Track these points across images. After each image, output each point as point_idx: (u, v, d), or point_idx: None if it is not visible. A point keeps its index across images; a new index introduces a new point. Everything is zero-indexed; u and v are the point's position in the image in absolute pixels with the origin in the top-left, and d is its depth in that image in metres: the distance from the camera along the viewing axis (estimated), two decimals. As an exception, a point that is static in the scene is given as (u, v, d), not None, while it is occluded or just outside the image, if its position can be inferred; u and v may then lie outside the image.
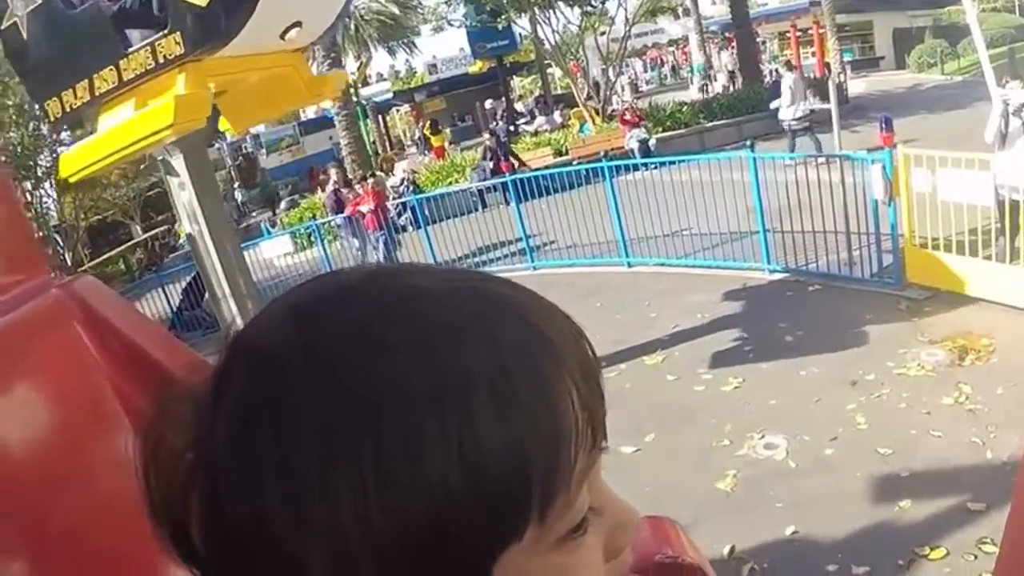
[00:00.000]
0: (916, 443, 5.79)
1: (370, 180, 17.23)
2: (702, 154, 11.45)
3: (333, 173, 20.42)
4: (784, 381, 7.14)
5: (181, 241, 33.33)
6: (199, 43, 7.13)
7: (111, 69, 7.11)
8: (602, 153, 18.66)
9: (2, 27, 7.15)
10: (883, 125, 8.48)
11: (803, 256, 10.07)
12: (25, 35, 7.10)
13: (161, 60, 6.96)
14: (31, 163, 31.36)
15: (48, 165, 32.81)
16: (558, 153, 22.10)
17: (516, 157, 20.18)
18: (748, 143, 10.05)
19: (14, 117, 29.83)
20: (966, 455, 5.50)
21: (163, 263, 35.50)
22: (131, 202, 40.39)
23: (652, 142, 20.85)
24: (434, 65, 42.64)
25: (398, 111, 45.96)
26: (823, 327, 8.12)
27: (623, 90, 28.73)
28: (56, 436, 1.63)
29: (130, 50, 7.03)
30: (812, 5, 37.48)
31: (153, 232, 38.21)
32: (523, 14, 26.32)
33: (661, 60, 53.82)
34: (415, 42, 45.83)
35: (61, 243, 33.94)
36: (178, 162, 8.07)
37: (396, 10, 43.19)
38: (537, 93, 41.72)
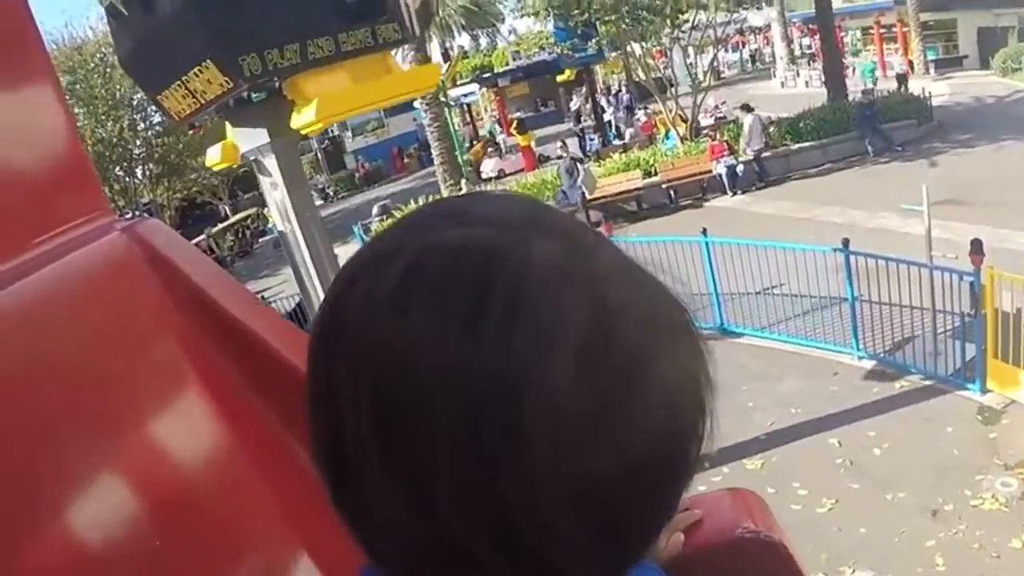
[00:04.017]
0: (986, 591, 6.58)
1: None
2: (788, 244, 11.99)
3: None
4: (873, 506, 7.91)
5: (270, 225, 34.42)
6: (410, 34, 8.69)
7: (328, 39, 7.79)
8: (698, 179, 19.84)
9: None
10: (973, 246, 9.15)
11: (890, 337, 10.95)
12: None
13: (380, 41, 8.12)
14: (128, 150, 33.20)
15: (139, 153, 34.62)
16: (647, 174, 22.62)
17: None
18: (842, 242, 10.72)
19: (111, 112, 31.65)
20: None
21: (252, 249, 36.72)
22: (221, 182, 41.91)
23: (740, 168, 21.57)
24: (517, 52, 43.05)
25: (482, 90, 46.57)
26: (908, 440, 8.87)
27: (706, 76, 28.71)
28: (117, 380, 1.59)
29: (352, 27, 7.93)
30: (896, 3, 37.50)
31: (243, 215, 39.22)
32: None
33: (743, 43, 53.94)
34: (499, 28, 46.49)
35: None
36: (270, 162, 8.68)
37: (480, -4, 44.03)
38: (617, 85, 41.98)
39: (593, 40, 27.27)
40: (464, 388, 0.55)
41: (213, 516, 1.58)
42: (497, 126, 43.86)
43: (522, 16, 29.24)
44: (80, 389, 1.47)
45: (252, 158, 8.97)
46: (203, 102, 8.10)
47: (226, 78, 7.57)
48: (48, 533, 1.28)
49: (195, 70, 7.72)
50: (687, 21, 25.57)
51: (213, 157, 9.64)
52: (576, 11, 23.97)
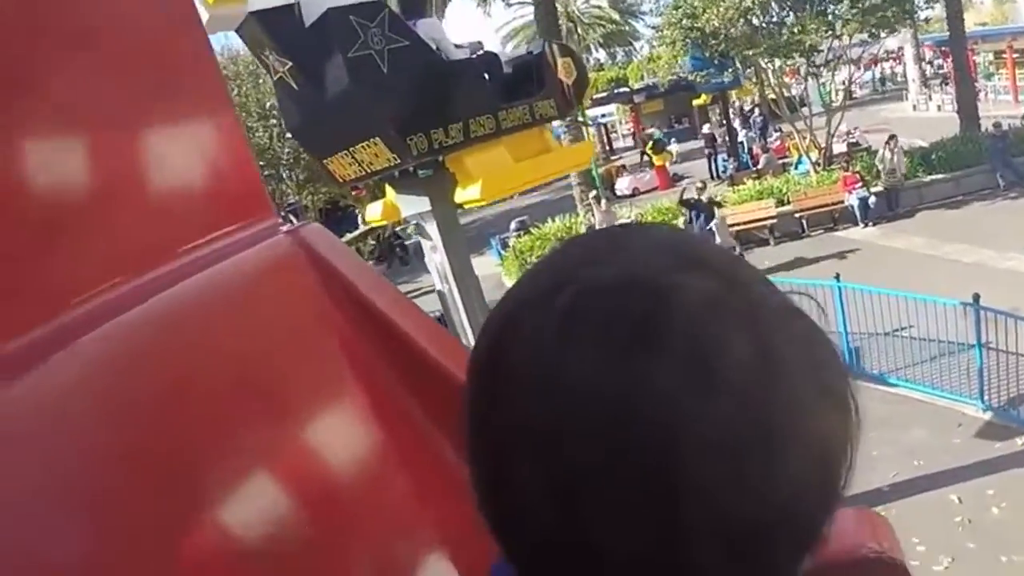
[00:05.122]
0: None
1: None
2: (920, 296, 12.20)
3: None
4: (989, 567, 8.07)
5: (409, 230, 35.14)
6: (564, 110, 9.40)
7: (489, 117, 8.37)
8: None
9: (351, 54, 7.57)
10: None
11: (1015, 390, 11.10)
12: (385, 68, 7.70)
13: (538, 117, 8.86)
14: (278, 156, 34.85)
15: (287, 158, 36.20)
16: (780, 203, 22.82)
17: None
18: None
19: (261, 121, 33.20)
20: None
21: (407, 253, 37.53)
22: (365, 187, 43.18)
23: (872, 200, 21.84)
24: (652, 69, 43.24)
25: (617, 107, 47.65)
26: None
27: (840, 97, 28.45)
28: (278, 373, 1.62)
29: (511, 105, 8.63)
30: (1031, 27, 36.68)
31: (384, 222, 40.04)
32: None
33: (876, 63, 53.38)
34: (634, 46, 47.04)
35: (295, 222, 36.75)
36: (432, 228, 9.07)
37: (616, 16, 44.49)
38: (750, 104, 41.77)
39: (729, 69, 27.40)
40: (623, 420, 0.57)
41: (360, 510, 1.63)
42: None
43: (660, 46, 29.50)
44: (243, 382, 1.55)
45: (414, 222, 9.55)
46: (368, 171, 8.73)
47: (394, 155, 8.15)
48: (208, 520, 1.36)
49: (363, 144, 8.32)
50: (822, 52, 25.53)
51: (374, 214, 10.30)
52: (714, 42, 24.23)
